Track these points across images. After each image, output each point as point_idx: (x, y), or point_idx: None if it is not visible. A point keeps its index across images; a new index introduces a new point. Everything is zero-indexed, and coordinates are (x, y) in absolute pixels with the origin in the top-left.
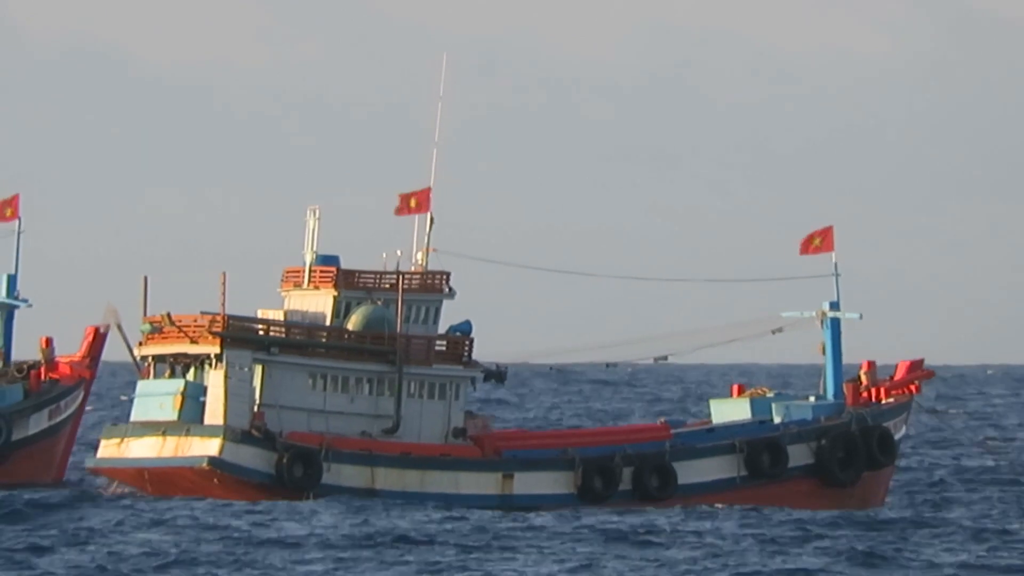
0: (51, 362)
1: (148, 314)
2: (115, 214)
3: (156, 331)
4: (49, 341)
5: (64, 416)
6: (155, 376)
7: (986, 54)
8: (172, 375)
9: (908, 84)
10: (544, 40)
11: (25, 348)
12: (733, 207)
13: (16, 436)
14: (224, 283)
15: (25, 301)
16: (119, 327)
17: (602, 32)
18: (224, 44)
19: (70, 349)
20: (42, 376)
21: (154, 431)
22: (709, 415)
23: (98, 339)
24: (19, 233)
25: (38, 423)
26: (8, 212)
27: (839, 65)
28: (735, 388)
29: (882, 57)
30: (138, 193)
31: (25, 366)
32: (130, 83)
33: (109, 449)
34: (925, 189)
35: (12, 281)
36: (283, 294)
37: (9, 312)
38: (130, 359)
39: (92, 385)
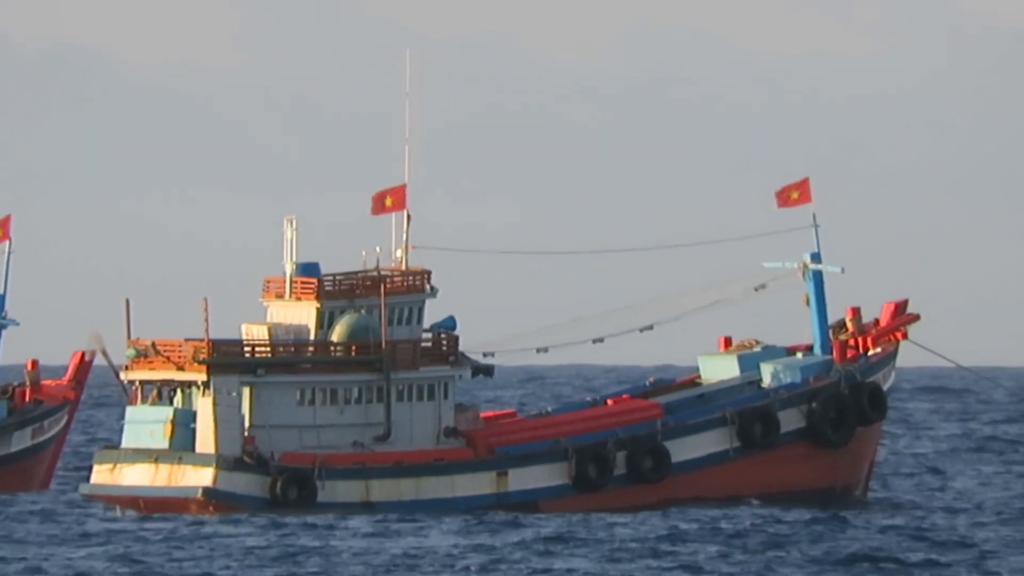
0: (36, 383)
1: (132, 336)
2: (95, 227)
3: (141, 355)
4: (35, 363)
5: (47, 436)
6: (143, 399)
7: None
8: (159, 398)
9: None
10: (520, 38)
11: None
12: (707, 167)
13: None
14: (206, 308)
15: (13, 321)
16: (104, 353)
17: (579, 30)
18: (195, 48)
19: (59, 364)
20: (27, 396)
21: (146, 458)
22: (698, 371)
23: (84, 364)
24: (9, 254)
25: (20, 441)
26: None
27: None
28: (722, 341)
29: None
30: (115, 203)
31: (10, 386)
32: (103, 91)
33: (103, 475)
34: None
35: (1, 301)
36: (265, 304)
37: None
38: (117, 383)
39: (77, 407)
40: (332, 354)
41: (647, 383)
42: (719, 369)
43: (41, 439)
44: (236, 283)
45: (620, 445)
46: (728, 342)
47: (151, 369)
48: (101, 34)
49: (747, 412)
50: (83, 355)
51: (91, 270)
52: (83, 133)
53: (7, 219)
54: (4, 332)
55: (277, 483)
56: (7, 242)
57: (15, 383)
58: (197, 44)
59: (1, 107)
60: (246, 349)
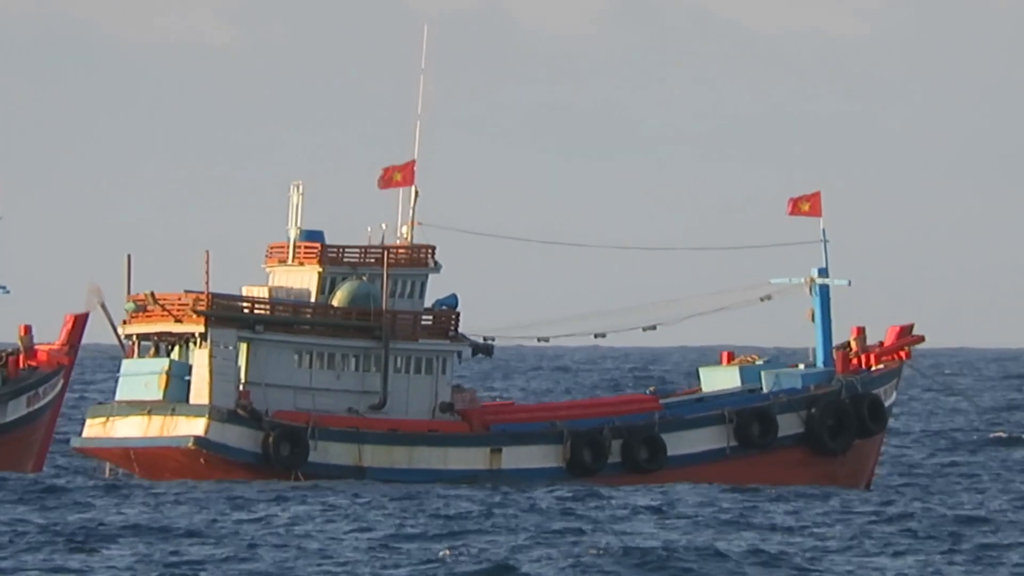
0: (30, 349)
1: (132, 293)
2: (97, 195)
3: (140, 310)
4: (28, 329)
5: (43, 403)
6: (139, 355)
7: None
8: (156, 354)
9: (885, 54)
10: (527, 13)
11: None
12: (720, 175)
13: None
14: (208, 261)
15: (3, 288)
16: (103, 306)
17: (584, 7)
18: (202, 19)
19: (50, 336)
20: (20, 363)
21: (140, 410)
22: (699, 383)
23: (77, 326)
24: None
25: (16, 410)
26: None
27: (817, 43)
28: (725, 355)
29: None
30: (119, 172)
31: (3, 353)
32: (105, 60)
33: (95, 428)
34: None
35: None
36: (268, 270)
37: None
38: (114, 338)
39: (72, 372)
40: (331, 318)
41: (647, 391)
42: (720, 380)
43: (37, 406)
44: (240, 251)
45: (616, 433)
46: (731, 357)
47: (148, 321)
48: (122, 10)
49: (746, 412)
50: (76, 317)
51: (90, 243)
52: (89, 99)
53: None
54: None
55: (269, 438)
56: None
57: (8, 350)
58: (210, 14)
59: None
60: (245, 305)
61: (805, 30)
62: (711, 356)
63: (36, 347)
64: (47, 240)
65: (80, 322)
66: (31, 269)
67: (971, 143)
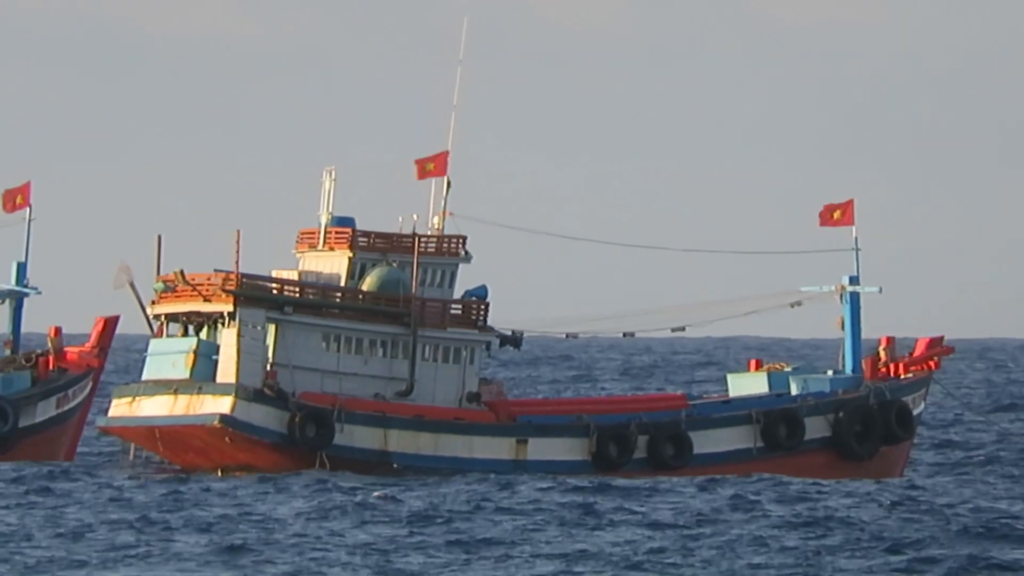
0: (60, 351)
1: (161, 273)
2: (128, 183)
3: (169, 290)
4: (58, 330)
5: (72, 405)
6: (168, 335)
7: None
8: (185, 334)
9: (920, 54)
10: (561, 5)
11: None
12: (753, 179)
13: (23, 423)
14: (238, 241)
15: (35, 289)
16: (132, 285)
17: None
18: (239, 8)
19: (80, 338)
20: (50, 364)
21: (166, 389)
22: (727, 390)
23: (108, 329)
24: (30, 221)
25: (45, 411)
26: (19, 200)
27: (846, 38)
28: (752, 363)
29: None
30: (151, 157)
31: (34, 355)
32: (140, 44)
33: (120, 408)
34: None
35: (22, 269)
36: (298, 255)
37: (19, 300)
38: (143, 318)
39: (101, 374)
40: (360, 303)
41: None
42: (748, 387)
43: (66, 408)
44: (270, 236)
45: (643, 429)
46: (759, 364)
47: (177, 301)
48: None
49: (773, 413)
50: (106, 321)
51: (113, 238)
52: (125, 89)
53: (27, 186)
54: (26, 300)
55: (295, 419)
56: (27, 209)
57: (38, 351)
58: (248, 4)
59: (20, 74)
60: (274, 286)
61: (835, 24)
62: (733, 347)
63: (66, 349)
64: (79, 241)
65: (111, 325)
66: (63, 270)
67: (1012, 145)
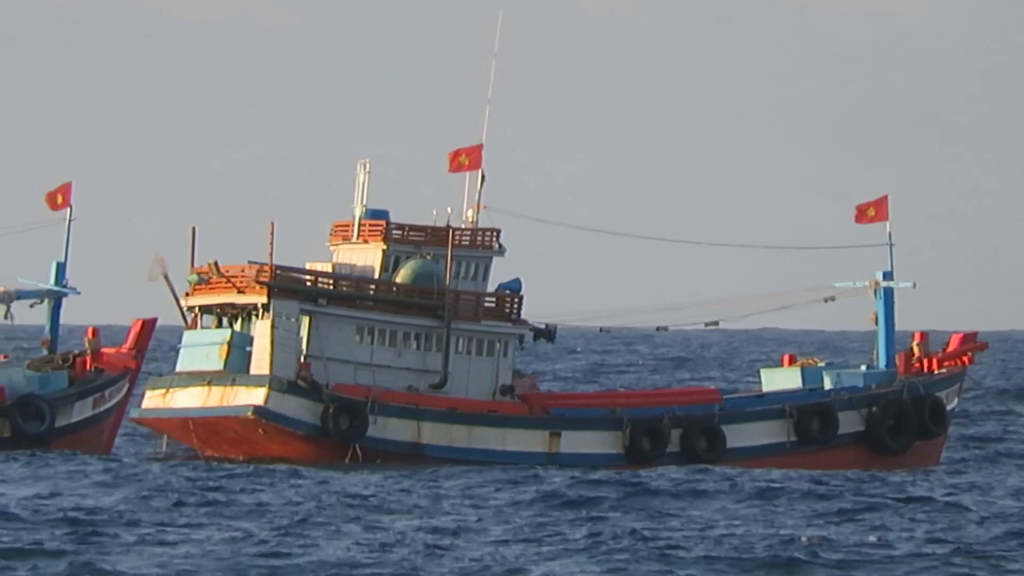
0: (97, 352)
1: (195, 265)
2: (165, 178)
3: (203, 282)
4: (96, 331)
5: (108, 405)
6: (202, 327)
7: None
8: (219, 325)
9: (952, 48)
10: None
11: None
12: (788, 174)
13: (59, 423)
14: (272, 233)
15: (74, 289)
16: (166, 277)
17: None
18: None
19: (118, 338)
20: (88, 365)
21: (200, 381)
22: (760, 385)
23: (145, 331)
24: (70, 221)
25: (82, 411)
26: (59, 200)
27: (878, 30)
28: (786, 358)
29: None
30: (187, 151)
31: (71, 355)
32: (174, 40)
33: (154, 400)
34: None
35: (61, 269)
36: (331, 248)
37: (57, 300)
38: (176, 310)
39: (138, 376)
40: (394, 295)
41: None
42: (782, 382)
43: (102, 409)
44: (304, 228)
45: (676, 422)
46: (792, 359)
47: (211, 293)
48: None
49: (806, 407)
50: (144, 323)
51: (150, 235)
52: (154, 92)
53: (67, 186)
54: (64, 300)
55: (329, 410)
56: (68, 209)
57: (76, 351)
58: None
59: (59, 77)
60: (308, 278)
61: (871, 17)
62: (761, 340)
63: (103, 350)
64: (118, 240)
65: (148, 327)
66: (102, 269)
67: None
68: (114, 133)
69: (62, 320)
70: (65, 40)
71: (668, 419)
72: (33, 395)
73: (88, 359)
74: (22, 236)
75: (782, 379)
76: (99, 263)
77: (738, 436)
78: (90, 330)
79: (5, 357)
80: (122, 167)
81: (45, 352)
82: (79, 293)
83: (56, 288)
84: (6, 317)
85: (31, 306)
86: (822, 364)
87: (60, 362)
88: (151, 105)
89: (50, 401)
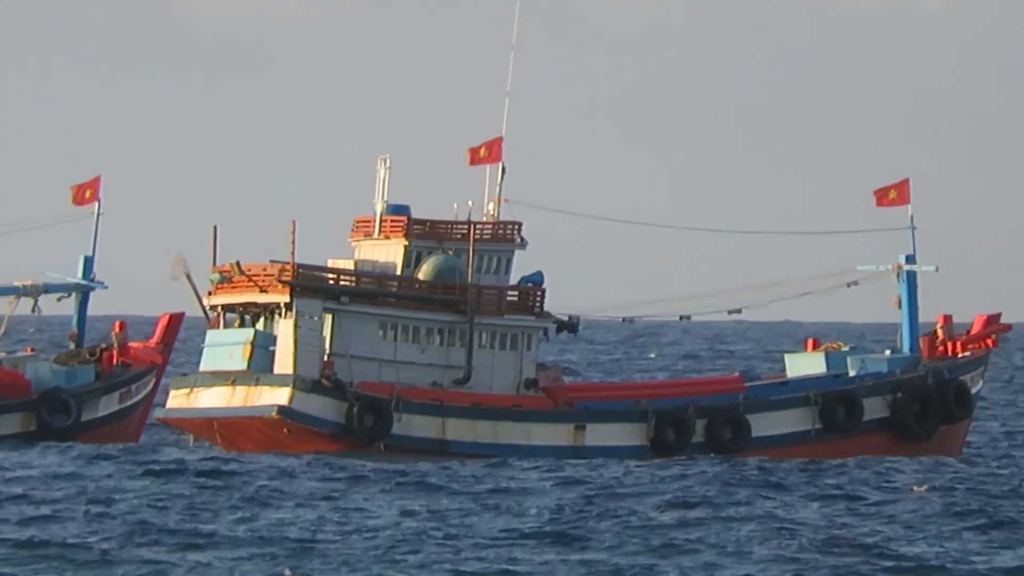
0: (124, 346)
1: (218, 264)
2: (188, 174)
3: (225, 281)
4: (123, 325)
5: (134, 400)
6: (224, 326)
7: None
8: (241, 324)
9: (971, 32)
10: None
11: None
12: (807, 160)
13: (85, 417)
14: (294, 232)
15: (101, 283)
16: (188, 276)
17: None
18: None
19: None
20: (114, 359)
21: (223, 381)
22: (784, 370)
23: (172, 325)
24: (98, 215)
25: (108, 405)
26: (88, 194)
27: (901, 20)
28: (810, 342)
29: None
30: (205, 148)
31: (98, 349)
32: (189, 36)
33: (178, 399)
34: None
35: (89, 263)
36: (353, 244)
37: (84, 294)
38: (199, 310)
39: (164, 371)
40: (417, 291)
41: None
42: (806, 367)
43: (128, 403)
44: (326, 224)
45: (701, 412)
46: (816, 344)
47: (233, 292)
48: None
49: (831, 395)
50: (171, 317)
51: (179, 231)
52: (177, 88)
53: (96, 180)
54: (91, 294)
55: (353, 409)
56: (96, 204)
57: (103, 345)
58: None
59: (86, 72)
60: (330, 276)
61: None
62: (783, 331)
63: (130, 344)
64: (146, 235)
65: (175, 321)
66: (129, 263)
67: None
68: (141, 128)
69: (88, 314)
70: (92, 35)
71: (693, 409)
72: (59, 389)
73: (115, 353)
74: (50, 230)
75: (806, 364)
76: (126, 257)
77: (763, 425)
78: (117, 324)
79: (32, 350)
80: (148, 162)
81: (72, 346)
82: (107, 287)
83: (83, 282)
84: (33, 311)
85: (58, 300)
86: (846, 349)
87: (87, 356)
88: (176, 100)
89: (76, 395)
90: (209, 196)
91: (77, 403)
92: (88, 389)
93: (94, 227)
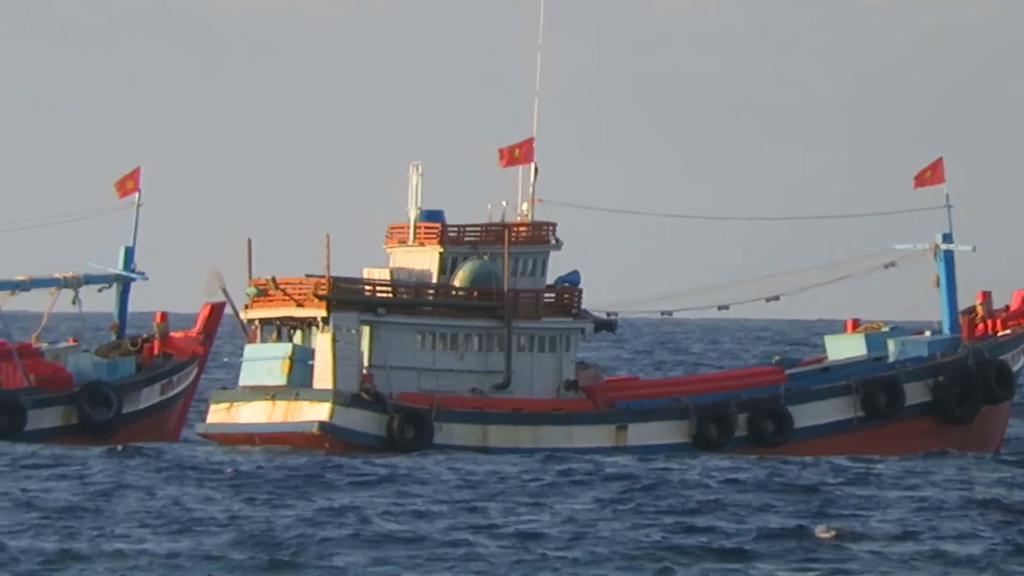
0: (165, 337)
1: (253, 276)
2: (220, 177)
3: (261, 294)
4: (164, 316)
5: (176, 391)
6: (262, 339)
7: None
8: (279, 338)
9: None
10: None
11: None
12: (842, 143)
13: (127, 409)
14: (328, 245)
15: (142, 274)
16: (224, 290)
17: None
18: None
19: (187, 324)
20: (155, 350)
21: (263, 396)
22: (824, 352)
23: (214, 315)
24: (138, 206)
25: (149, 397)
26: (129, 185)
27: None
28: (849, 323)
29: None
30: (238, 153)
31: (139, 340)
32: (215, 41)
33: (219, 414)
34: None
35: (129, 254)
36: (388, 251)
37: (125, 285)
38: (236, 322)
39: (206, 361)
40: (453, 298)
41: (772, 361)
42: (846, 349)
43: (170, 395)
44: (360, 231)
45: (742, 407)
46: (855, 324)
47: (270, 306)
48: None
49: (872, 382)
50: (212, 307)
51: (219, 222)
52: (216, 83)
53: (136, 171)
54: (132, 285)
55: (394, 421)
56: (136, 194)
57: (144, 336)
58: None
59: (127, 63)
60: (367, 288)
61: None
62: (823, 329)
63: (171, 335)
64: (185, 226)
65: (217, 311)
66: (171, 254)
67: None
68: (182, 119)
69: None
70: (134, 31)
71: (734, 404)
72: (100, 381)
73: (156, 344)
74: (91, 221)
75: (846, 346)
76: (167, 248)
77: (805, 416)
78: (158, 315)
79: (74, 341)
80: (189, 154)
81: (113, 337)
82: (147, 278)
83: (124, 273)
84: (74, 302)
85: (99, 291)
86: (886, 329)
87: (128, 347)
88: (214, 94)
89: (117, 388)
90: (246, 202)
91: (118, 396)
92: (129, 381)
93: (135, 218)
